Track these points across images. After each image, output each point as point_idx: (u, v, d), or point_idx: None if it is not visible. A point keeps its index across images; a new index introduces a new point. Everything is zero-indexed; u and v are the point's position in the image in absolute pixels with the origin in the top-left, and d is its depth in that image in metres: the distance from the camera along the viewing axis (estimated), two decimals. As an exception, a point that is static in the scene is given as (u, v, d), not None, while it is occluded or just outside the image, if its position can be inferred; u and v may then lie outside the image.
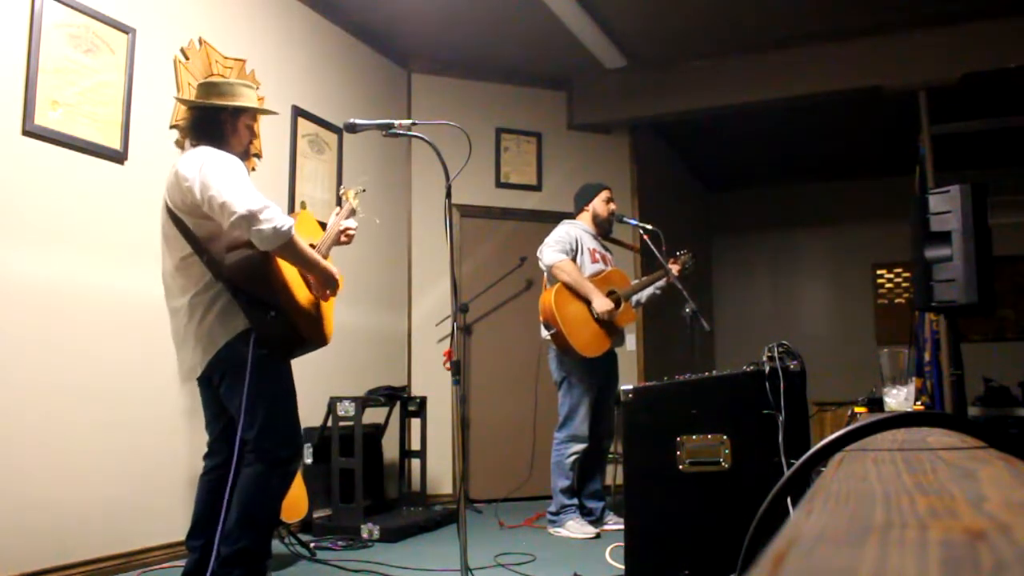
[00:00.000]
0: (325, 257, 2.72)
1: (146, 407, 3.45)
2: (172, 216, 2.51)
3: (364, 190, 3.10)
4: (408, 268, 5.59)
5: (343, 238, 2.89)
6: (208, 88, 2.68)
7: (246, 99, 2.66)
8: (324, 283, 2.65)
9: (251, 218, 2.32)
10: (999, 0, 4.83)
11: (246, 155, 2.73)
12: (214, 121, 2.61)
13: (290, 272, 2.57)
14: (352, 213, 3.01)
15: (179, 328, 2.56)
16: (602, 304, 4.11)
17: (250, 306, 2.43)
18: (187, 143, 2.68)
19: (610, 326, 4.19)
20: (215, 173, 2.40)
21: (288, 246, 2.41)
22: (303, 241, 2.50)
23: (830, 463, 0.88)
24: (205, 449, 2.72)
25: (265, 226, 2.33)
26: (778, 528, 0.46)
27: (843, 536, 0.42)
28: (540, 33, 5.21)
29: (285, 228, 2.37)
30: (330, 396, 4.34)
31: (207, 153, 2.48)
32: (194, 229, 2.48)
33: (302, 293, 2.61)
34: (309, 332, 2.56)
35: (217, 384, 2.55)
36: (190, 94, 3.78)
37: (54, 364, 3.09)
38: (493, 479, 5.43)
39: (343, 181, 4.90)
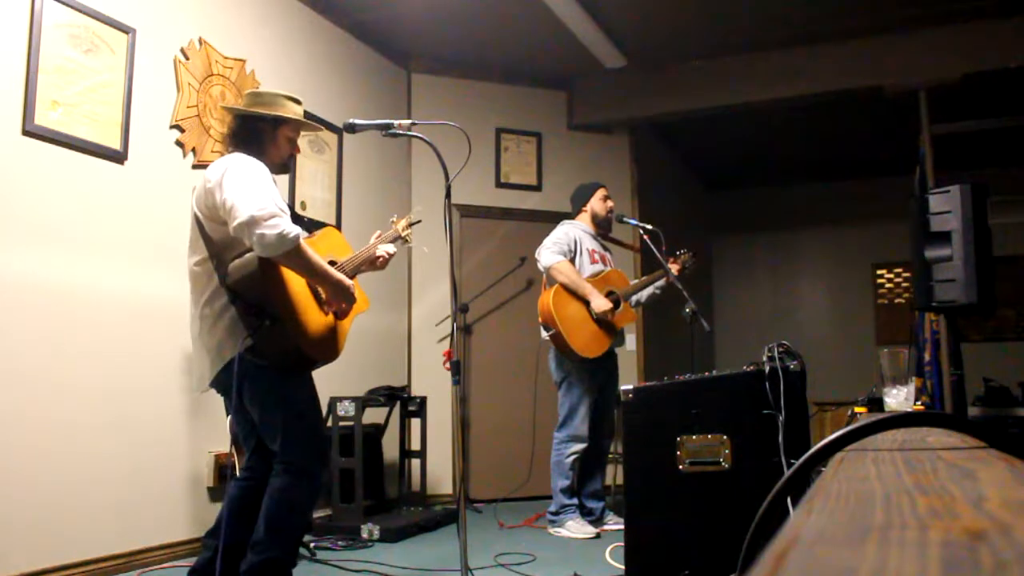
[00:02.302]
0: (351, 277, 2.65)
1: (146, 407, 3.45)
2: (196, 219, 2.52)
3: (419, 221, 3.08)
4: (408, 268, 5.59)
5: (378, 263, 2.82)
6: (253, 97, 2.69)
7: (288, 111, 2.66)
8: (337, 296, 2.57)
9: (254, 223, 2.29)
10: (999, 0, 4.83)
11: (285, 168, 2.72)
12: (254, 130, 2.61)
13: (298, 286, 2.51)
14: (402, 241, 2.98)
15: (194, 335, 2.56)
16: (600, 304, 4.11)
17: (246, 314, 2.40)
18: (224, 150, 2.69)
19: (609, 326, 4.19)
20: (233, 177, 2.39)
21: (293, 254, 2.36)
22: (312, 252, 2.45)
23: (830, 463, 0.88)
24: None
25: (269, 231, 2.29)
26: (778, 528, 0.45)
27: (843, 536, 0.42)
28: (540, 33, 5.21)
29: (291, 235, 2.32)
30: (330, 396, 4.34)
31: (233, 158, 2.48)
32: (211, 233, 2.47)
33: (309, 308, 2.53)
34: (312, 348, 2.49)
35: (238, 397, 2.52)
36: (190, 94, 3.79)
37: (54, 364, 3.09)
38: (493, 479, 5.43)
39: (343, 180, 4.90)
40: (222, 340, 2.45)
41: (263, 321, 2.39)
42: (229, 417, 2.74)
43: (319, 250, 2.58)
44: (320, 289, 2.59)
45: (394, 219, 3.07)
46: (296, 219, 2.64)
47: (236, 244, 2.42)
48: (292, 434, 2.49)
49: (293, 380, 2.54)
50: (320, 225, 3.64)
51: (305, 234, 2.71)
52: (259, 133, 2.62)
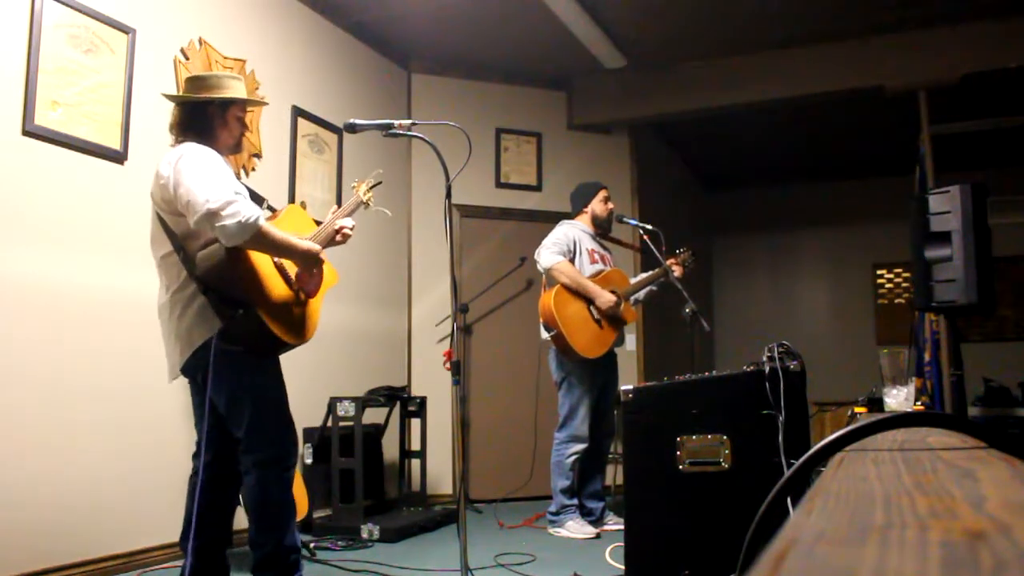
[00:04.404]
0: None
1: (146, 407, 3.45)
2: (156, 213, 2.50)
3: (379, 183, 3.04)
4: (408, 268, 5.59)
5: (338, 237, 2.78)
6: (195, 82, 2.64)
7: (234, 91, 2.62)
8: (306, 264, 2.57)
9: (213, 215, 2.27)
10: (999, 0, 4.83)
11: (238, 147, 2.69)
12: (203, 115, 2.57)
13: (265, 269, 2.51)
14: (362, 206, 2.95)
15: (163, 325, 2.55)
16: (605, 299, 4.11)
17: (219, 304, 2.40)
18: (174, 140, 2.64)
19: (614, 322, 4.19)
20: (186, 170, 2.36)
21: (257, 237, 2.35)
22: (276, 229, 2.44)
23: (830, 463, 0.88)
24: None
25: (228, 222, 2.27)
26: (778, 528, 0.45)
27: (843, 536, 0.42)
28: (540, 33, 5.21)
29: (251, 220, 2.30)
30: (330, 396, 4.34)
31: (184, 149, 2.45)
32: (172, 227, 2.45)
33: (279, 290, 2.53)
34: (284, 331, 2.49)
35: (203, 383, 2.53)
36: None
37: (53, 364, 3.09)
38: (493, 479, 5.43)
39: (343, 180, 4.90)
40: (191, 325, 2.44)
41: (236, 310, 2.39)
42: None
43: (283, 229, 2.56)
44: (289, 265, 2.58)
45: (355, 184, 3.01)
46: (254, 197, 2.63)
47: (199, 234, 2.41)
48: (259, 423, 2.48)
49: (262, 366, 2.53)
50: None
51: (268, 213, 2.69)
52: (208, 118, 2.58)
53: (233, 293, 2.40)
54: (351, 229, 2.79)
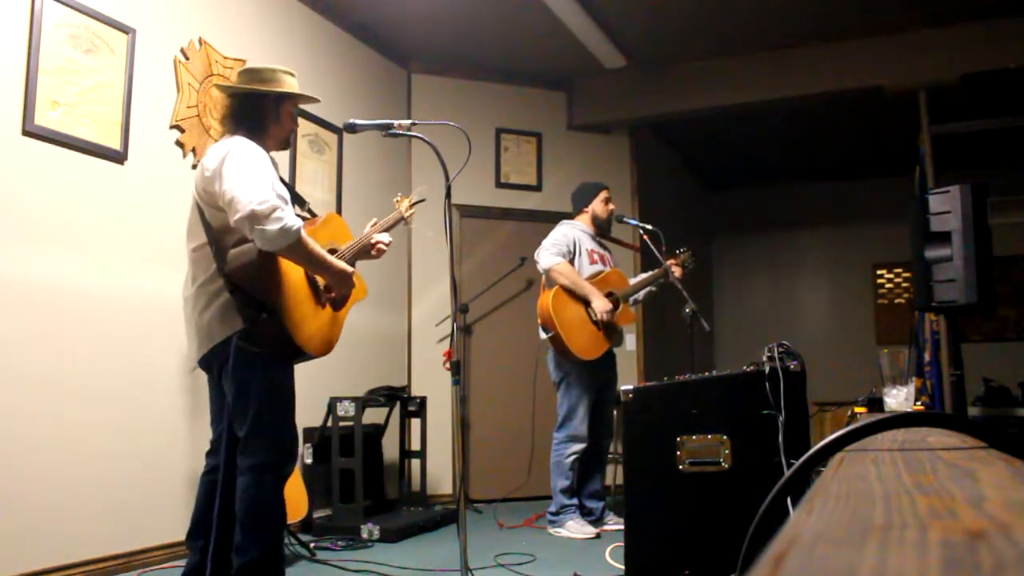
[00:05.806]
0: (351, 265, 2.63)
1: (146, 407, 3.45)
2: (196, 204, 2.49)
3: (423, 200, 3.02)
4: (408, 268, 5.59)
5: (373, 252, 2.78)
6: (251, 74, 2.60)
7: (289, 86, 2.61)
8: (338, 284, 2.55)
9: (255, 218, 2.25)
10: (999, 0, 4.83)
11: (287, 143, 2.69)
12: (257, 108, 2.55)
13: (295, 276, 2.49)
14: (402, 222, 2.94)
15: (187, 317, 2.55)
16: (601, 305, 4.11)
17: (244, 304, 2.38)
18: (223, 132, 2.62)
19: (609, 327, 4.19)
20: (232, 166, 2.34)
21: (294, 247, 2.33)
22: (313, 242, 2.42)
23: (830, 463, 0.88)
24: (206, 448, 2.71)
25: (270, 226, 2.25)
26: (778, 528, 0.46)
27: (843, 536, 0.42)
28: (540, 33, 5.21)
29: (293, 229, 2.29)
30: (330, 396, 4.34)
31: (233, 144, 2.42)
32: (210, 219, 2.44)
33: (305, 299, 2.51)
34: (305, 340, 2.47)
35: (218, 379, 2.53)
36: (190, 94, 3.78)
37: (54, 364, 3.09)
38: (493, 479, 5.43)
39: (343, 180, 4.90)
40: (212, 321, 2.43)
41: (260, 313, 2.38)
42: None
43: (320, 237, 2.55)
44: (320, 278, 2.56)
45: (397, 198, 3.01)
46: (296, 199, 2.62)
47: (234, 231, 2.39)
48: (261, 427, 2.45)
49: (278, 370, 2.51)
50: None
51: (307, 217, 2.68)
52: (262, 112, 2.56)
53: (259, 295, 2.38)
54: (387, 245, 2.79)
